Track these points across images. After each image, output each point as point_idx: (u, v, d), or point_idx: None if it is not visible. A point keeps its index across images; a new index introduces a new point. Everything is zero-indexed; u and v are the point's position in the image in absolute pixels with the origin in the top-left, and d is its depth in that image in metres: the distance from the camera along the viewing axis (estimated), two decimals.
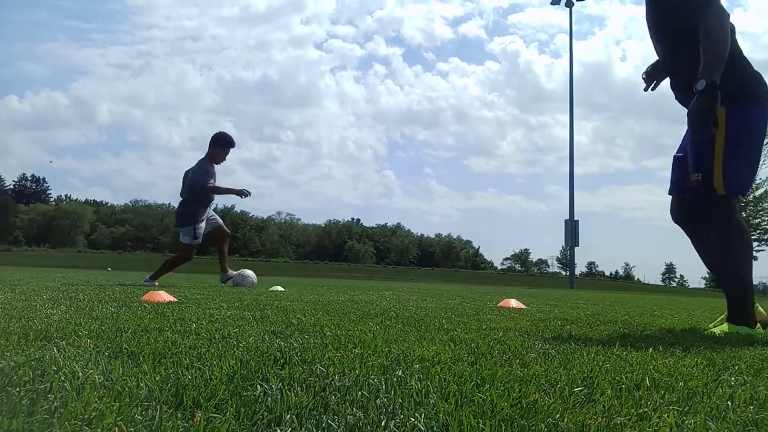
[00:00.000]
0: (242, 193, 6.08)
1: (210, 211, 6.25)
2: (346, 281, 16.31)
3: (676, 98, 2.68)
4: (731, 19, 2.44)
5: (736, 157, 2.42)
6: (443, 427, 0.88)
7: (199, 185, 5.97)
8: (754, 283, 2.66)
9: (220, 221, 6.46)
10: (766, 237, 34.33)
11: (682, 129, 2.62)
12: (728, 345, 2.10)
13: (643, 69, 2.91)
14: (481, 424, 0.89)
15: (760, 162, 2.66)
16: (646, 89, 2.88)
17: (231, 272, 6.39)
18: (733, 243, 2.48)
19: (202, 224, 6.12)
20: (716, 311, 5.38)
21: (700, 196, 2.49)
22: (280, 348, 1.54)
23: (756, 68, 2.55)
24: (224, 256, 6.46)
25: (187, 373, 1.16)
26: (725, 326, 2.53)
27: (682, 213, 2.62)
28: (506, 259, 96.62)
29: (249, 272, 6.40)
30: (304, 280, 12.82)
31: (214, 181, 6.05)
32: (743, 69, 2.48)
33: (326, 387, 1.10)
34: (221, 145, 6.11)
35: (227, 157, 6.17)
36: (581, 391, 1.16)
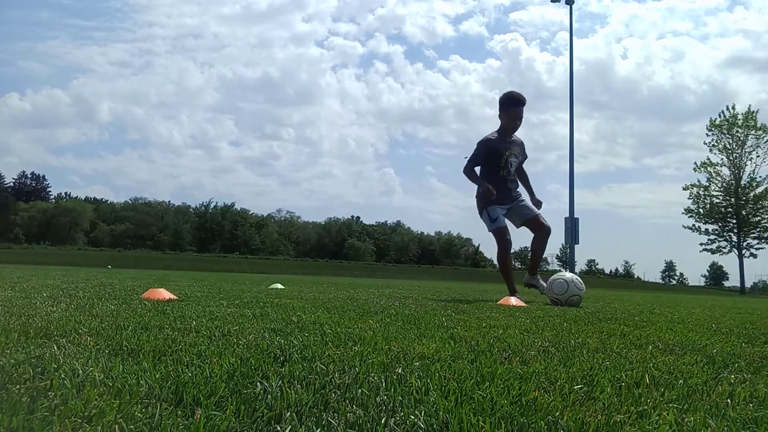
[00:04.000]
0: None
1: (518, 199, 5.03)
2: (345, 279, 16.32)
3: None
4: None
5: None
6: (443, 425, 0.88)
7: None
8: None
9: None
10: (765, 235, 34.30)
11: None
12: (728, 343, 2.10)
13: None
14: (480, 422, 0.89)
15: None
16: None
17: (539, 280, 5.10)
18: None
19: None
20: (715, 309, 5.38)
21: None
22: (280, 345, 1.54)
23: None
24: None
25: (187, 370, 1.16)
26: None
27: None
28: None
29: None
30: (304, 278, 12.82)
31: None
32: None
33: (326, 384, 1.10)
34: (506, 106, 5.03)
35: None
36: (581, 388, 1.16)
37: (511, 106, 4.96)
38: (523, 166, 5.10)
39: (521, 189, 5.09)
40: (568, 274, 4.56)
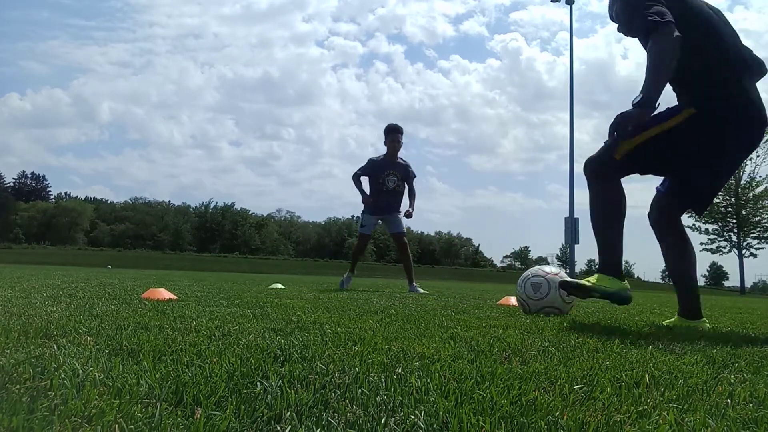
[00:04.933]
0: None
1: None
2: None
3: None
4: (729, 19, 2.61)
5: (664, 148, 2.60)
6: (443, 425, 0.88)
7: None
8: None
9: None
10: (765, 235, 34.30)
11: None
12: (728, 343, 2.10)
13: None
14: (480, 422, 0.89)
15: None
16: None
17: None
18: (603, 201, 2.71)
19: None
20: (715, 309, 5.39)
21: (600, 152, 2.70)
22: (280, 345, 1.54)
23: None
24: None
25: (187, 370, 1.16)
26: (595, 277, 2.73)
27: (586, 163, 2.76)
28: (506, 256, 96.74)
29: None
30: (303, 278, 12.82)
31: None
32: (712, 80, 2.55)
33: (326, 384, 1.10)
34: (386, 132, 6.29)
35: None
36: (581, 388, 1.16)
37: (391, 132, 6.17)
38: (414, 183, 6.27)
39: (404, 201, 6.33)
40: (552, 273, 3.32)
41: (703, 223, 35.31)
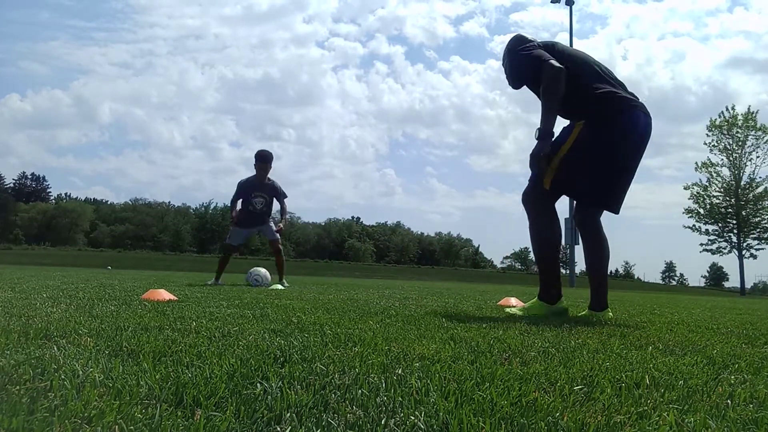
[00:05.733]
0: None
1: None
2: (345, 279, 16.31)
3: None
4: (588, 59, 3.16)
5: (571, 163, 2.98)
6: (443, 426, 0.88)
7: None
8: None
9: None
10: (766, 236, 34.27)
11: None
12: (728, 344, 2.10)
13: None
14: (480, 423, 0.89)
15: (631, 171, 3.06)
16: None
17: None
18: (538, 225, 3.09)
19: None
20: (715, 309, 5.38)
21: (532, 185, 3.11)
22: (280, 346, 1.54)
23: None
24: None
25: (187, 371, 1.16)
26: (533, 302, 3.16)
27: (523, 196, 3.16)
28: (506, 257, 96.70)
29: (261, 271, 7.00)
30: (304, 279, 12.82)
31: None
32: (588, 98, 2.98)
33: (326, 385, 1.10)
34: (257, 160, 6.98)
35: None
36: (581, 389, 1.16)
37: (258, 161, 6.84)
38: (284, 201, 7.10)
39: (275, 216, 7.23)
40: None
41: (703, 224, 35.32)
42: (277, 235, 7.11)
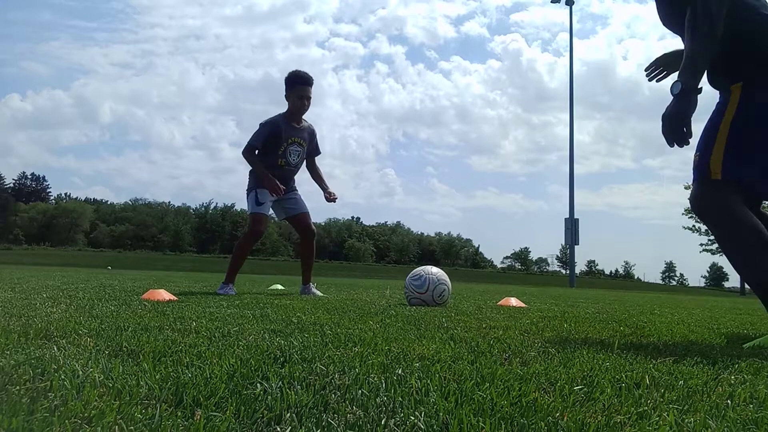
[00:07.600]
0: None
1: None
2: (345, 279, 16.31)
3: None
4: None
5: (743, 139, 2.06)
6: (443, 426, 0.88)
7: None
8: None
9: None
10: None
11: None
12: (728, 344, 2.10)
13: (640, 69, 2.84)
14: (480, 423, 0.89)
15: None
16: (650, 79, 2.64)
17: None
18: (740, 238, 2.06)
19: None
20: (716, 310, 5.38)
21: (697, 180, 2.15)
22: (280, 346, 1.54)
23: None
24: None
25: (187, 371, 1.16)
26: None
27: (690, 201, 2.22)
28: (506, 257, 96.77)
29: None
30: None
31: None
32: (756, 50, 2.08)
33: (326, 385, 1.10)
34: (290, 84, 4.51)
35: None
36: (581, 389, 1.16)
37: (298, 84, 4.43)
38: (316, 160, 4.72)
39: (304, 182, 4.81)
40: (424, 271, 3.87)
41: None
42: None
